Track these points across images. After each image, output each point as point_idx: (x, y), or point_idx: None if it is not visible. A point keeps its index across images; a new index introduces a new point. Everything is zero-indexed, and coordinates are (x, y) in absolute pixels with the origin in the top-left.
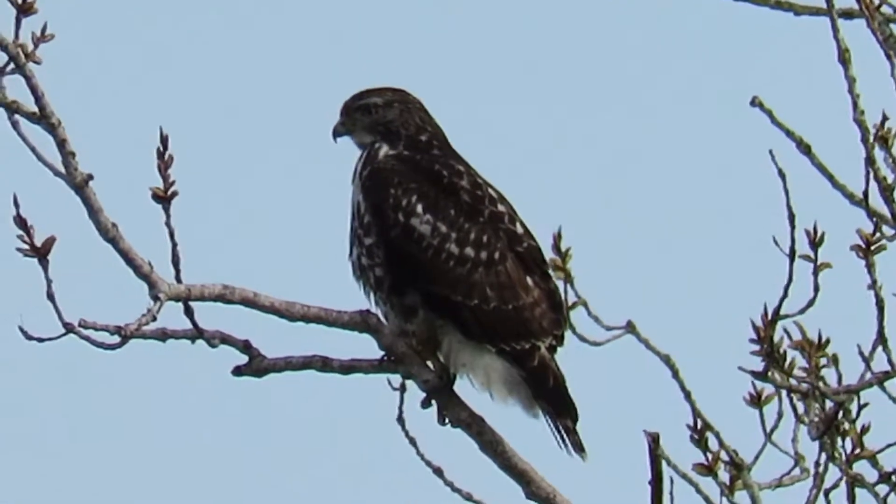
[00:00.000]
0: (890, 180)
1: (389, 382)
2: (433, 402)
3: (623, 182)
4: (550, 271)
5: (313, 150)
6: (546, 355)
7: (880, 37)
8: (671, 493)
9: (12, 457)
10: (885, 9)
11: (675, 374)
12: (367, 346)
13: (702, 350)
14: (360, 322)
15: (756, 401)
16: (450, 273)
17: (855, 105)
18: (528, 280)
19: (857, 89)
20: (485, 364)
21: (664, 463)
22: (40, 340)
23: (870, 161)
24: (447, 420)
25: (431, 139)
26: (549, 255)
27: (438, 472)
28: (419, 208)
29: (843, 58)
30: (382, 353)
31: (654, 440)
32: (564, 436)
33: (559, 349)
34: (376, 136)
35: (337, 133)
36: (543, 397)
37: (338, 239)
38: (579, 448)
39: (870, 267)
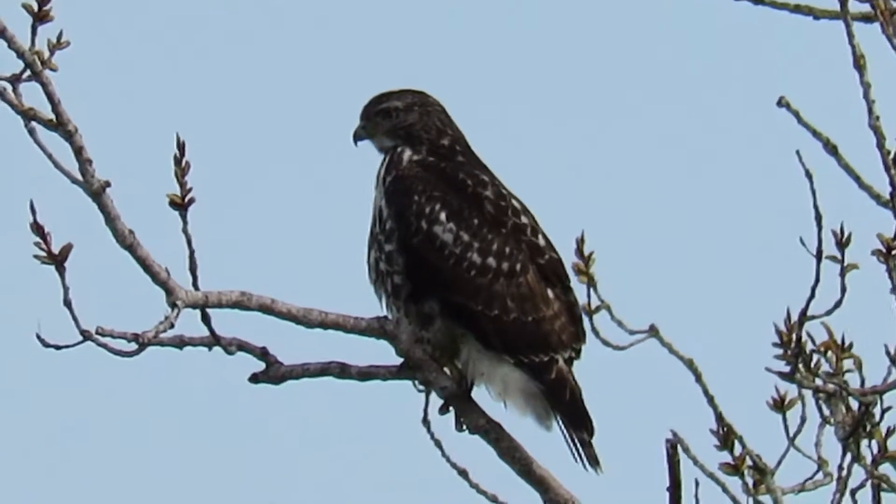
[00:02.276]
0: None
1: (415, 384)
2: (451, 408)
3: (648, 184)
4: (574, 275)
5: (331, 155)
6: (564, 368)
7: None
8: (696, 496)
9: (30, 463)
10: None
11: (699, 379)
12: (384, 353)
13: (726, 353)
14: (378, 328)
15: (780, 405)
16: (471, 283)
17: (870, 111)
18: (549, 292)
19: (873, 95)
20: (503, 375)
21: (691, 464)
22: (57, 348)
23: (885, 167)
24: (465, 426)
25: (454, 144)
26: (572, 259)
27: (464, 473)
28: (442, 216)
29: (859, 63)
30: (400, 359)
31: (672, 447)
32: (580, 449)
33: (576, 362)
34: (397, 140)
35: (357, 137)
36: (560, 410)
37: (355, 245)
38: (594, 461)
39: (891, 271)
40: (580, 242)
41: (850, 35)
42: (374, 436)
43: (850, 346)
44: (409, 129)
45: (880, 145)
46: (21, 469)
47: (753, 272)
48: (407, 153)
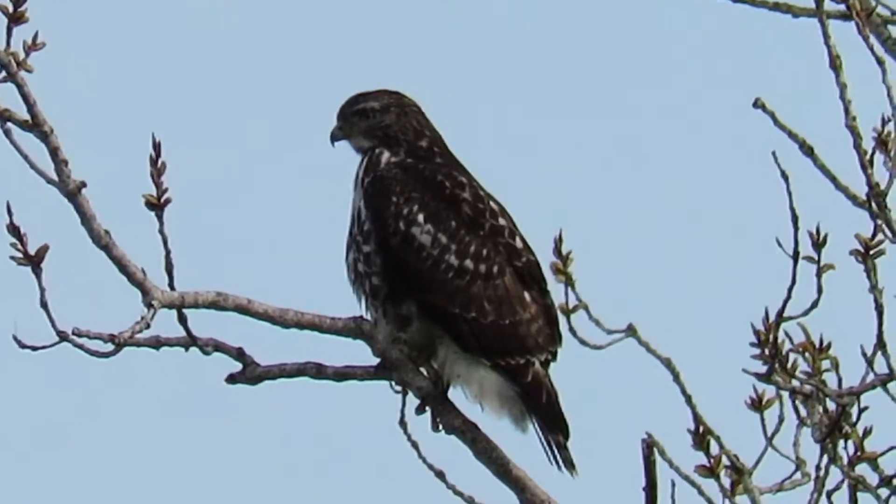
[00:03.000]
0: (883, 186)
1: (391, 385)
2: (427, 408)
3: (624, 184)
4: (552, 274)
5: (307, 156)
6: (540, 371)
7: (878, 39)
8: (672, 497)
9: (6, 464)
10: (881, 10)
11: (676, 378)
12: (361, 353)
13: (703, 353)
14: (354, 329)
15: (757, 405)
16: (448, 284)
17: (847, 111)
18: (526, 295)
19: (849, 95)
20: (479, 377)
21: (667, 466)
22: (34, 349)
23: (862, 167)
24: (441, 427)
25: (432, 145)
26: (550, 258)
27: (441, 475)
28: (420, 218)
29: (835, 64)
30: (377, 359)
31: (648, 447)
32: (556, 452)
33: (553, 364)
34: (374, 141)
35: (334, 137)
36: (536, 413)
37: (332, 246)
38: (570, 465)
39: (869, 272)
40: (558, 242)
41: (826, 35)
42: (351, 436)
43: (828, 346)
44: (385, 130)
45: (857, 145)
46: None
47: (731, 272)
48: (385, 155)
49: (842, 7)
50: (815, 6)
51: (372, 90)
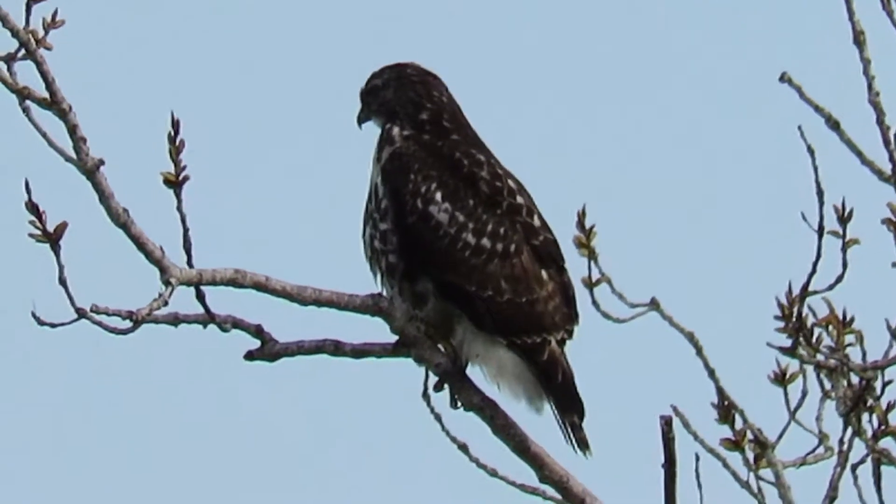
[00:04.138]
0: None
1: (415, 360)
2: (445, 385)
3: (649, 159)
4: (575, 248)
5: (326, 133)
6: (556, 350)
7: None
8: (697, 470)
9: (25, 441)
10: None
11: (699, 352)
12: (379, 330)
13: (727, 327)
14: (372, 306)
15: (781, 379)
16: (465, 263)
17: (870, 87)
18: (543, 274)
19: (873, 71)
20: (498, 356)
21: (692, 438)
22: (52, 326)
23: (886, 143)
24: (459, 404)
25: (436, 116)
26: (573, 232)
27: (464, 447)
28: (438, 196)
29: (859, 39)
30: (394, 336)
31: (667, 424)
32: (570, 431)
33: (569, 342)
34: (384, 117)
35: (359, 120)
36: (551, 392)
37: (350, 223)
38: (584, 445)
39: None
40: (581, 216)
41: (851, 11)
42: (369, 413)
43: (852, 320)
44: (388, 106)
45: (880, 121)
46: (16, 446)
47: (755, 247)
48: (395, 130)
49: None
50: None
51: (381, 67)
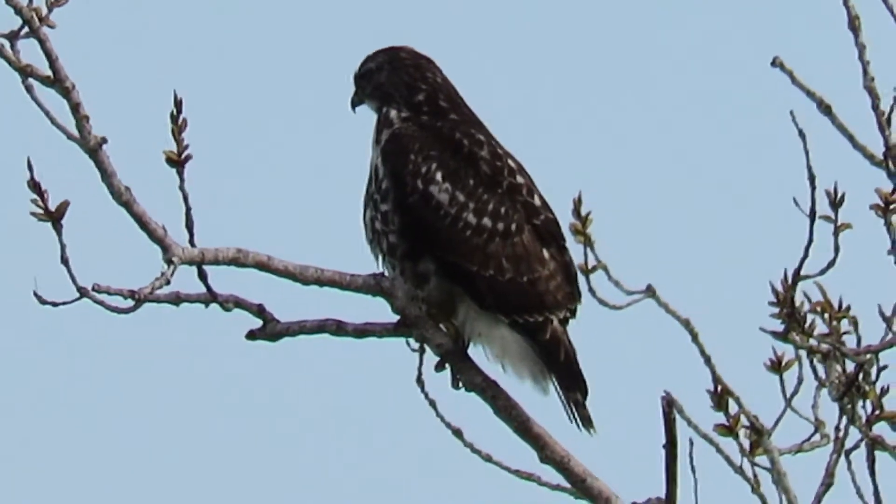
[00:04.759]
0: None
1: (408, 343)
2: (447, 365)
3: (643, 145)
4: (571, 235)
5: (327, 113)
6: (559, 329)
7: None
8: (691, 455)
9: (26, 420)
10: None
11: (695, 339)
12: (380, 310)
13: (722, 313)
14: (374, 285)
15: (776, 366)
16: (466, 242)
17: (865, 72)
18: (545, 253)
19: (868, 56)
20: (501, 336)
21: (685, 424)
22: (54, 305)
23: (880, 127)
24: (461, 384)
25: (431, 98)
26: (569, 219)
27: (458, 433)
28: (438, 176)
29: (854, 24)
30: (396, 316)
31: (668, 404)
32: (574, 409)
33: (572, 321)
34: (379, 101)
35: (353, 104)
36: (554, 371)
37: (351, 202)
38: (588, 422)
39: (889, 226)
40: (577, 202)
41: None
42: (371, 393)
43: (848, 308)
44: (382, 89)
45: (875, 106)
46: (17, 426)
47: (748, 232)
48: (392, 112)
49: None
50: None
51: (375, 50)
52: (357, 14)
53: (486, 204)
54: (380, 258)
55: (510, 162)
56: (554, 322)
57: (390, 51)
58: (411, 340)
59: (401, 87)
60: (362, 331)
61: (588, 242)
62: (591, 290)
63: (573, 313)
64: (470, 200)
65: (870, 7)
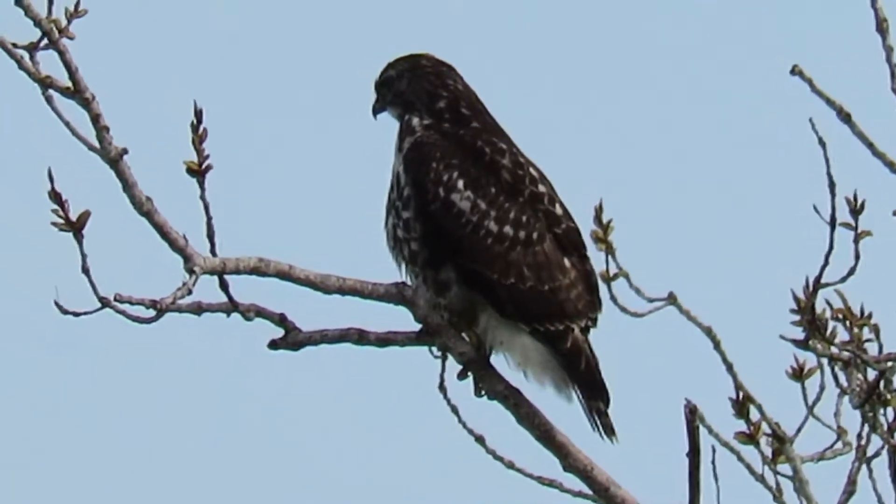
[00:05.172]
0: None
1: (431, 351)
2: (469, 374)
3: (664, 153)
4: (592, 243)
5: (349, 121)
6: (580, 337)
7: None
8: (713, 463)
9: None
10: None
11: (717, 346)
12: (402, 319)
13: (744, 321)
14: (396, 294)
15: (798, 374)
16: (487, 251)
17: (893, 74)
18: (566, 261)
19: (895, 59)
20: (522, 344)
21: (706, 432)
22: (76, 315)
23: None
24: (483, 392)
25: (453, 105)
26: (590, 227)
27: (480, 440)
28: (460, 184)
29: (881, 27)
30: (418, 325)
31: (691, 411)
32: (596, 418)
33: (593, 330)
34: (401, 108)
35: (374, 111)
36: (576, 379)
37: (373, 211)
38: (610, 431)
39: None
40: (598, 210)
41: None
42: (393, 402)
43: (870, 315)
44: (403, 97)
45: None
46: (39, 434)
47: (769, 240)
48: (415, 120)
49: None
50: None
51: (396, 58)
52: (376, 23)
53: (508, 212)
54: (402, 266)
55: (531, 170)
56: (575, 331)
57: (411, 58)
58: (434, 348)
59: (422, 94)
60: (384, 340)
61: (609, 250)
62: (612, 297)
63: (594, 322)
64: (491, 208)
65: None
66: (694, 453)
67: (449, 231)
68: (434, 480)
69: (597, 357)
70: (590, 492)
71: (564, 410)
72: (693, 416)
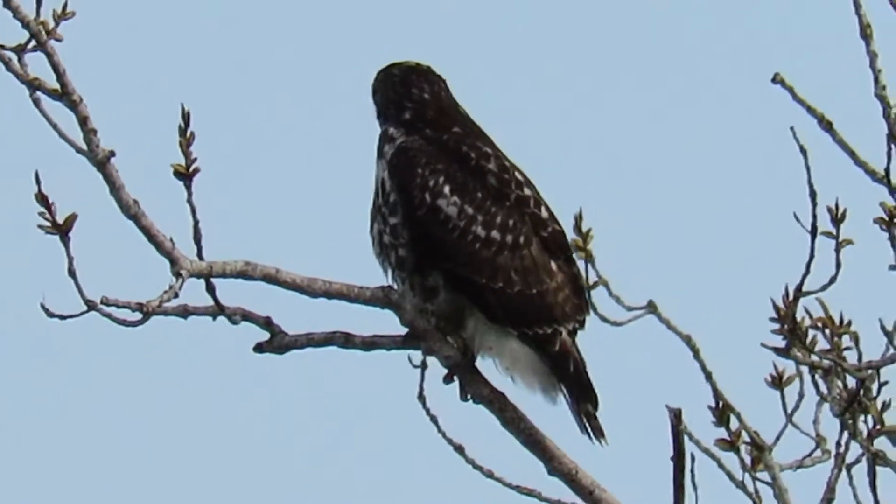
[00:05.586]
0: None
1: (410, 360)
2: (455, 378)
3: (644, 161)
4: (573, 252)
5: (335, 126)
6: (568, 340)
7: None
8: (692, 471)
9: (34, 433)
10: None
11: (696, 355)
12: (388, 322)
13: (724, 329)
14: (382, 298)
15: (777, 382)
16: (475, 255)
17: (876, 80)
18: (553, 264)
19: (879, 64)
20: (510, 348)
21: (687, 439)
22: (62, 318)
23: (891, 137)
24: (469, 396)
25: (419, 113)
26: (570, 235)
27: (460, 449)
28: (446, 189)
29: (865, 33)
30: (404, 329)
31: (676, 416)
32: (586, 421)
33: (580, 333)
34: (380, 118)
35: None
36: (564, 382)
37: (358, 215)
38: (599, 433)
39: (893, 240)
40: (578, 219)
41: (858, 4)
42: (379, 405)
43: (849, 323)
44: (378, 108)
45: (886, 114)
46: (25, 439)
47: (750, 248)
48: (391, 129)
49: None
50: None
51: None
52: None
53: (495, 216)
54: (389, 272)
55: (517, 174)
56: (563, 334)
57: (385, 69)
58: (413, 357)
59: (390, 105)
60: (370, 343)
61: (589, 258)
62: (592, 306)
63: (582, 325)
64: (478, 213)
65: (882, 15)
66: (679, 457)
67: (436, 237)
68: (415, 487)
69: (585, 360)
70: (569, 500)
71: (549, 414)
72: (678, 421)
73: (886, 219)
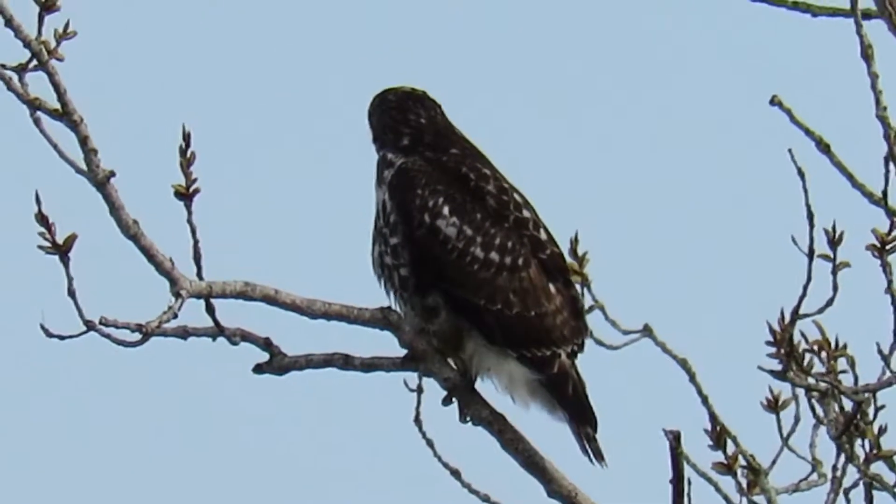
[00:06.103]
0: None
1: (406, 384)
2: (454, 399)
3: (641, 183)
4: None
5: (335, 147)
6: (567, 363)
7: None
8: (688, 494)
9: (33, 454)
10: None
11: (692, 378)
12: (388, 344)
13: (720, 352)
14: (382, 319)
15: (774, 405)
16: (474, 276)
17: (878, 101)
18: (551, 287)
19: (880, 85)
20: (509, 370)
21: (684, 463)
22: (61, 338)
23: (891, 158)
24: (468, 418)
25: (415, 139)
26: (566, 259)
27: (456, 473)
28: (446, 210)
29: (866, 54)
30: (404, 350)
31: (675, 438)
32: (586, 443)
33: (579, 356)
34: (377, 144)
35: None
36: (564, 404)
37: (359, 236)
38: (599, 456)
39: (885, 266)
40: (574, 242)
41: (859, 25)
42: (378, 427)
43: (845, 346)
44: (374, 133)
45: (887, 136)
46: (24, 460)
47: (746, 271)
48: (389, 155)
49: (867, 3)
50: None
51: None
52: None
53: (493, 238)
54: (390, 293)
55: (516, 196)
56: (562, 356)
57: (380, 94)
58: (409, 380)
59: (387, 131)
60: (370, 365)
61: (585, 282)
62: (588, 330)
63: (581, 347)
64: (477, 234)
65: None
66: (678, 480)
67: (435, 257)
68: None
69: (584, 382)
70: None
71: (549, 436)
72: (677, 443)
73: (878, 245)
